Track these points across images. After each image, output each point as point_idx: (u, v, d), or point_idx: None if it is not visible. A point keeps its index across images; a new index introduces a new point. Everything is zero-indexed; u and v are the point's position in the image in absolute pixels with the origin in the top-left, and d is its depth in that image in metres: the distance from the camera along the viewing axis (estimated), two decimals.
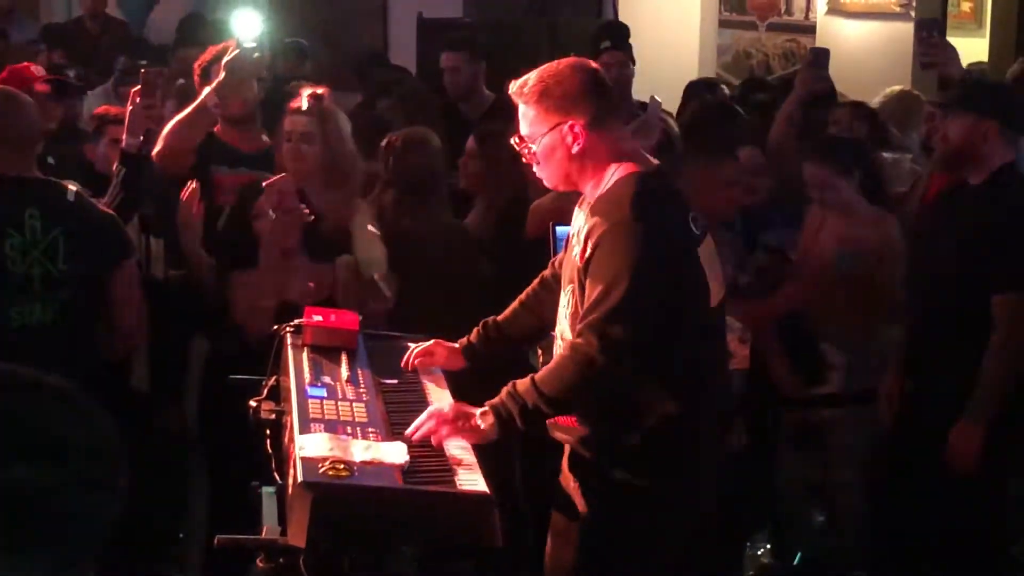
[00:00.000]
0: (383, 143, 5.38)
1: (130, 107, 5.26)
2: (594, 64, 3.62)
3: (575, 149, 3.43)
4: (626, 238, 3.31)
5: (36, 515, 1.54)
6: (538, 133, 3.46)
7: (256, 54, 5.22)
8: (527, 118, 3.48)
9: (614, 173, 3.45)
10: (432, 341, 3.88)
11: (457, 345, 3.86)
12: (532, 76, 3.52)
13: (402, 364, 3.81)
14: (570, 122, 3.42)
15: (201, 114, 5.14)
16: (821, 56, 5.60)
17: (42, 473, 1.54)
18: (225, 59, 5.18)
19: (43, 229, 4.33)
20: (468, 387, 3.73)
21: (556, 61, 3.52)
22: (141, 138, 5.24)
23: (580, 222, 3.52)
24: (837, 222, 5.18)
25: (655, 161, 3.56)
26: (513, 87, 3.52)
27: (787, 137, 6.00)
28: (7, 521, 1.53)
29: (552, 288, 3.74)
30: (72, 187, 4.50)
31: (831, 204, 5.18)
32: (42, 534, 1.55)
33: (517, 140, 3.52)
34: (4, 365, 1.64)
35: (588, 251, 3.37)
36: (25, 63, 6.53)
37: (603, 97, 3.50)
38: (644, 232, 3.30)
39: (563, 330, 3.53)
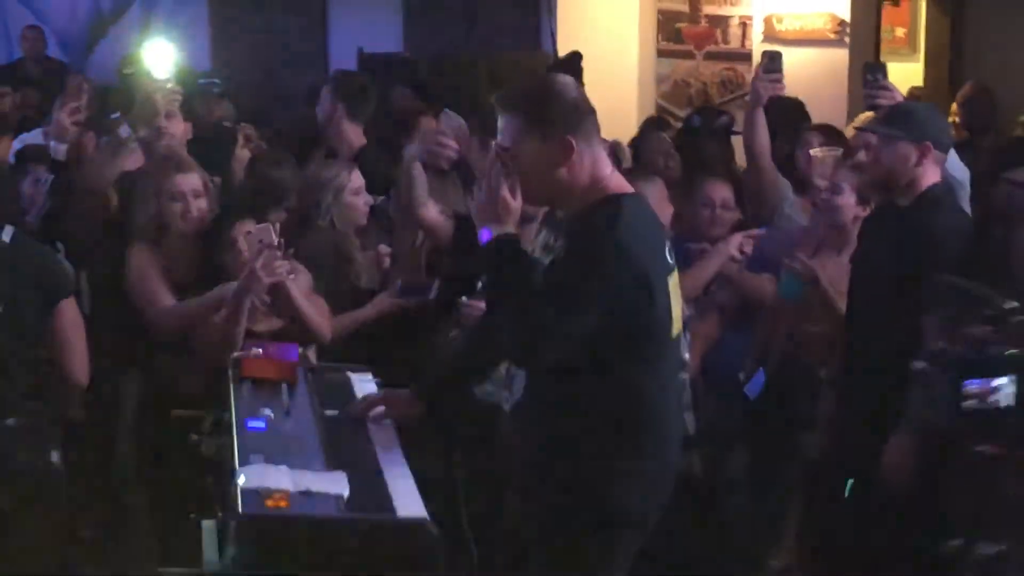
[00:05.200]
0: None
1: (56, 113, 5.30)
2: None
3: (563, 164, 3.36)
4: (598, 255, 3.27)
5: None
6: (524, 144, 3.37)
7: (168, 85, 5.31)
8: (512, 128, 3.38)
9: (593, 194, 3.40)
10: (381, 393, 3.82)
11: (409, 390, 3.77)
12: (521, 85, 3.48)
13: (356, 414, 3.73)
14: (561, 135, 3.35)
15: (117, 146, 5.17)
16: (776, 59, 5.53)
17: None
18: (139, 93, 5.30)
19: None
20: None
21: (543, 75, 3.48)
22: (65, 145, 5.28)
23: (546, 238, 3.49)
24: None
25: (631, 188, 3.50)
26: (499, 95, 3.45)
27: (760, 145, 5.80)
28: None
29: None
30: (8, 228, 4.42)
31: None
32: None
33: (499, 149, 3.43)
34: None
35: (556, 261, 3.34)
36: None
37: (590, 115, 3.44)
38: (617, 255, 3.27)
39: None
